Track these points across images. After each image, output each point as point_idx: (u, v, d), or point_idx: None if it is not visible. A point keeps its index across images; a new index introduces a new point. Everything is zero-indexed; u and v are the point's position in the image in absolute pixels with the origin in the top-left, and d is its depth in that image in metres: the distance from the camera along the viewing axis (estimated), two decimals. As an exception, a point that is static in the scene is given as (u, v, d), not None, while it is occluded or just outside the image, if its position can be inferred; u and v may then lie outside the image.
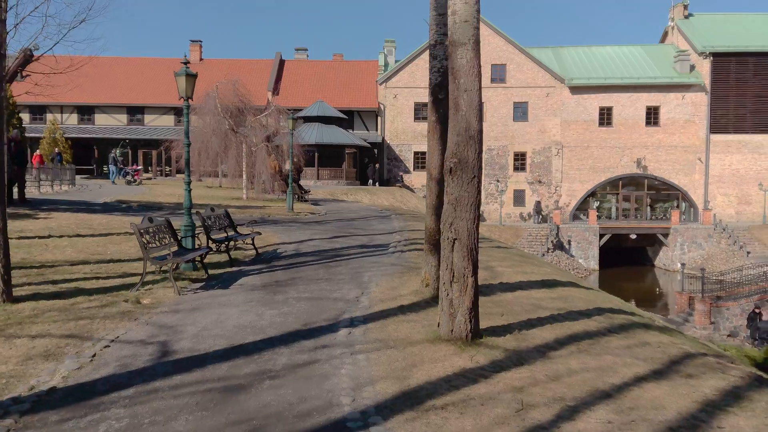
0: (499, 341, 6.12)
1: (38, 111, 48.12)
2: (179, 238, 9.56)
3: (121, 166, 37.75)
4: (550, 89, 47.60)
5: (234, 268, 10.41)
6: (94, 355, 5.64)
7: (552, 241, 44.58)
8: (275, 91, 47.48)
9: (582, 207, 49.68)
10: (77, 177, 36.48)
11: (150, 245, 8.44)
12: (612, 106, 46.81)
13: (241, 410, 4.41)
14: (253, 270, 10.32)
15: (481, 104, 6.18)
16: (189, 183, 10.24)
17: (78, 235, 12.93)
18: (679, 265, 30.02)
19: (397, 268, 10.56)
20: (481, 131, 6.22)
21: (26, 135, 40.10)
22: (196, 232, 10.56)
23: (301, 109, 43.06)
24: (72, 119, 48.47)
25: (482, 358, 5.55)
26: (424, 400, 4.53)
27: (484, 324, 6.52)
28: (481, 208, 52.43)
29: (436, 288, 8.25)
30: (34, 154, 37.06)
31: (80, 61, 16.06)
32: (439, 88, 8.13)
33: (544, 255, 40.45)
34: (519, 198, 50.72)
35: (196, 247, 10.05)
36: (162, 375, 5.16)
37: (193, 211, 10.83)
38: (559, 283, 10.04)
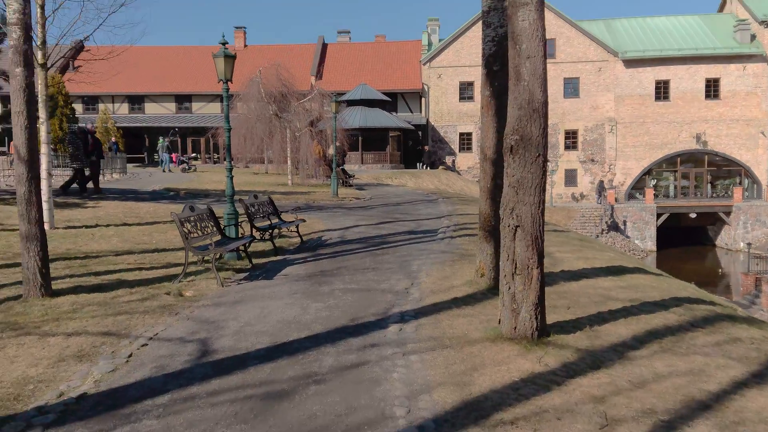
0: (569, 339, 5.48)
1: (90, 101, 49.21)
2: (222, 227, 9.20)
3: (171, 154, 38.24)
4: (602, 63, 45.72)
5: (278, 257, 10.03)
6: (131, 355, 5.28)
7: (606, 222, 43.12)
8: (318, 75, 47.14)
9: (638, 186, 47.82)
10: (128, 165, 37.16)
11: (192, 235, 8.10)
12: (669, 79, 44.60)
13: (284, 423, 3.94)
14: (298, 259, 9.91)
15: (545, 72, 5.50)
16: (231, 170, 9.87)
17: (125, 224, 12.81)
18: (742, 244, 28.38)
19: (448, 256, 9.97)
20: (546, 103, 5.56)
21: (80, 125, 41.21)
22: (240, 220, 10.21)
23: (344, 93, 42.58)
24: (123, 108, 49.41)
25: (552, 360, 4.93)
26: (490, 413, 3.95)
27: (550, 319, 5.88)
28: (530, 189, 51.06)
29: (493, 278, 7.64)
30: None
31: (124, 49, 15.87)
32: (494, 59, 7.44)
33: (598, 236, 39.12)
34: (570, 178, 49.16)
35: (240, 236, 9.69)
36: (200, 378, 4.75)
37: (237, 198, 10.48)
38: (626, 270, 9.26)
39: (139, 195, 19.05)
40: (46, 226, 11.57)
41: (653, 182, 45.97)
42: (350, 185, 25.85)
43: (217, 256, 8.36)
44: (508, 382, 4.48)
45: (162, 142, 37.45)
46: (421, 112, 47.81)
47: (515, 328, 5.56)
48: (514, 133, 5.64)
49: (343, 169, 26.77)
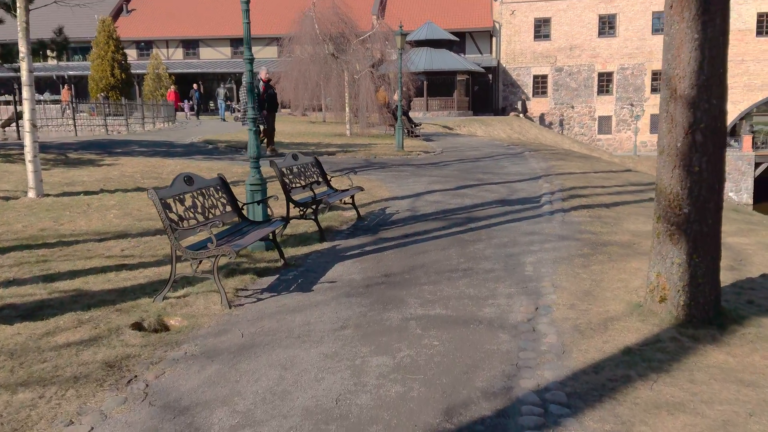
0: None
1: (144, 47, 47.20)
2: (241, 205, 6.24)
3: (228, 102, 35.97)
4: (700, -7, 39.79)
5: (324, 245, 7.03)
6: None
7: (698, 173, 38.42)
8: (381, 14, 43.17)
9: (734, 132, 42.45)
10: (182, 113, 35.02)
11: (182, 223, 5.16)
12: (776, 10, 38.42)
13: None
14: (352, 248, 6.89)
15: None
16: (255, 120, 6.82)
17: (137, 189, 10.12)
18: None
19: (573, 245, 6.72)
20: None
21: (132, 71, 39.22)
22: (270, 193, 7.25)
23: (408, 34, 38.62)
24: (177, 54, 47.29)
25: None
26: None
27: None
28: (611, 136, 46.29)
29: (684, 305, 4.41)
30: (169, 91, 35.92)
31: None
32: None
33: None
34: (657, 124, 43.93)
35: (270, 216, 6.71)
36: None
37: (272, 157, 7.48)
38: None
39: (173, 148, 16.43)
40: (31, 194, 8.99)
41: (751, 128, 40.61)
42: (416, 135, 22.52)
43: (222, 262, 5.31)
44: None
45: (220, 89, 35.11)
46: (491, 53, 43.37)
47: None
48: None
49: (408, 118, 23.43)
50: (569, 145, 33.83)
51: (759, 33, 38.79)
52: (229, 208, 6.07)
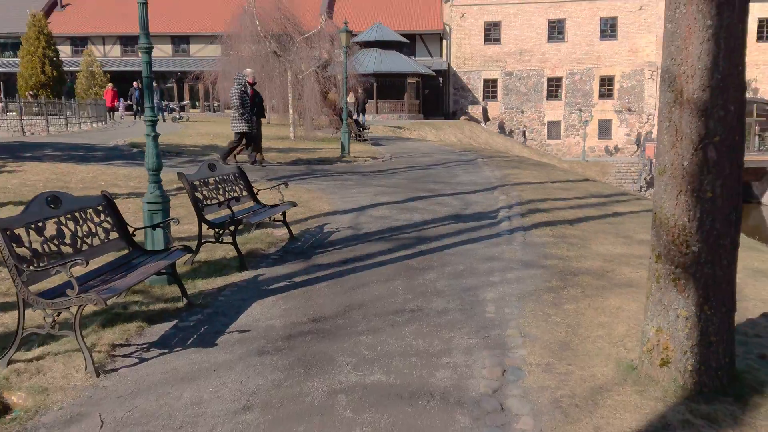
0: None
1: (80, 43, 44.46)
2: (132, 231, 4.94)
3: (167, 102, 34.00)
4: (644, 1, 40.39)
5: (244, 275, 5.80)
6: None
7: (645, 178, 38.93)
8: (329, 14, 41.90)
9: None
10: (118, 114, 32.82)
11: (37, 261, 3.85)
12: (721, 19, 39.15)
13: None
14: (279, 279, 5.69)
15: None
16: (154, 123, 5.52)
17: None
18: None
19: (539, 275, 5.70)
20: None
21: (65, 69, 36.69)
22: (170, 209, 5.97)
23: (355, 33, 37.51)
24: (115, 51, 44.82)
25: None
26: None
27: None
28: (560, 141, 46.34)
29: (692, 369, 3.41)
30: (106, 89, 33.43)
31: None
32: None
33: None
34: (604, 129, 44.47)
35: (169, 244, 5.41)
36: None
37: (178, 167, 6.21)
38: None
39: (92, 152, 14.78)
40: None
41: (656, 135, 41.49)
42: (364, 139, 21.40)
43: (91, 308, 4.02)
44: None
45: (134, 89, 32.76)
46: (441, 56, 42.75)
47: None
48: None
49: (356, 121, 22.30)
50: (519, 151, 33.40)
51: (759, 38, 39.10)
52: (114, 235, 4.77)
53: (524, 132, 43.60)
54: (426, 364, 3.86)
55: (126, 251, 4.88)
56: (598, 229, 7.88)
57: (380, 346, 4.14)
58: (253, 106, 13.07)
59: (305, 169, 13.56)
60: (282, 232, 7.46)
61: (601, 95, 44.19)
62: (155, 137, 5.40)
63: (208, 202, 6.29)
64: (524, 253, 6.53)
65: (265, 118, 15.78)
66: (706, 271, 3.42)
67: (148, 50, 5.31)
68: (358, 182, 11.63)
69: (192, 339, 4.32)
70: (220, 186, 6.66)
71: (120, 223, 4.84)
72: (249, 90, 13.03)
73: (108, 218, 4.74)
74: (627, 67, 42.67)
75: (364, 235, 7.41)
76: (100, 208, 4.69)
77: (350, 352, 4.05)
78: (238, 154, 13.30)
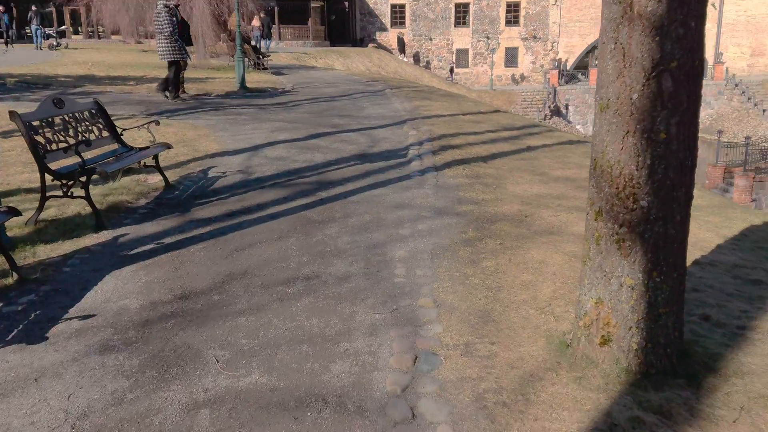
0: None
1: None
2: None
3: (41, 27, 30.09)
4: None
5: (102, 237, 4.72)
6: None
7: (549, 107, 39.71)
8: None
9: (581, 65, 44.05)
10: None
11: None
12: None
13: None
14: (144, 241, 4.66)
15: None
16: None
17: None
18: (717, 134, 25.06)
19: (454, 225, 5.02)
20: None
21: None
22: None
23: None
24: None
25: None
26: None
27: None
28: (468, 70, 45.83)
29: (642, 347, 2.83)
30: None
31: None
32: None
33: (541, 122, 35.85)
34: (511, 57, 44.60)
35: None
36: None
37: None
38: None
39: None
40: None
41: (597, 61, 42.47)
42: (265, 68, 19.78)
43: None
44: None
45: (30, 14, 29.03)
46: (348, -22, 40.63)
47: None
48: None
49: (254, 47, 20.54)
50: (429, 80, 32.62)
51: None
52: None
53: (417, 54, 42.85)
54: (320, 354, 3.08)
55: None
56: (513, 167, 7.30)
57: (263, 331, 3.31)
58: (182, 31, 11.90)
59: (193, 102, 12.12)
60: (157, 179, 6.33)
61: (508, 22, 43.96)
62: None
63: (53, 146, 5.06)
64: (437, 198, 5.82)
65: (192, 45, 14.49)
66: (657, 230, 2.79)
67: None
68: (254, 117, 10.44)
69: (15, 331, 3.30)
70: (70, 126, 5.40)
71: None
72: (178, 17, 11.62)
73: None
74: (532, -8, 42.60)
75: (255, 181, 6.42)
76: None
77: (223, 341, 3.20)
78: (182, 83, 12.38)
